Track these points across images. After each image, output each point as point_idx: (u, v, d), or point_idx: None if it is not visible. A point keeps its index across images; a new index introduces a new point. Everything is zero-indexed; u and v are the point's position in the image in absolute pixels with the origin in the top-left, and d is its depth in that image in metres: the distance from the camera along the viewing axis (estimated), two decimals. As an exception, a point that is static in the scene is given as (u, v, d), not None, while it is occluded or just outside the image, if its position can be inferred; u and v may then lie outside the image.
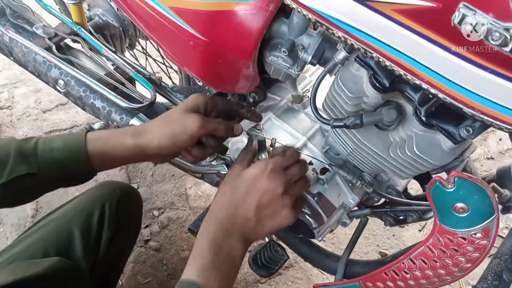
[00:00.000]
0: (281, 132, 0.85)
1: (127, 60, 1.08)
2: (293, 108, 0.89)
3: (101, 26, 1.20)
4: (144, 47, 1.28)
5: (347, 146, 0.76)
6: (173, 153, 0.69)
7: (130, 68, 1.06)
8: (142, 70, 1.08)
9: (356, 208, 0.86)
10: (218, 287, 0.57)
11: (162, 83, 1.08)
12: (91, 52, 1.09)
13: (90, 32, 1.11)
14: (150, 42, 1.31)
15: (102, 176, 1.56)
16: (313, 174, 0.81)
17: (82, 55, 1.13)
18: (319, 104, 0.71)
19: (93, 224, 0.93)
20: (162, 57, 1.32)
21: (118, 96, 1.02)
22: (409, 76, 0.49)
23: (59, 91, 1.11)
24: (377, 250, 1.52)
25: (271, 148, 0.73)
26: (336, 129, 0.75)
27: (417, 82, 0.49)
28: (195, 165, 0.90)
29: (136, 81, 1.07)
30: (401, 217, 0.87)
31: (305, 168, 0.67)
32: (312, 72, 0.94)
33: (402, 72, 0.49)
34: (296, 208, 0.64)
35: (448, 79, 0.46)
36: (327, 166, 0.81)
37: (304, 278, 1.41)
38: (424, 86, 0.48)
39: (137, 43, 1.30)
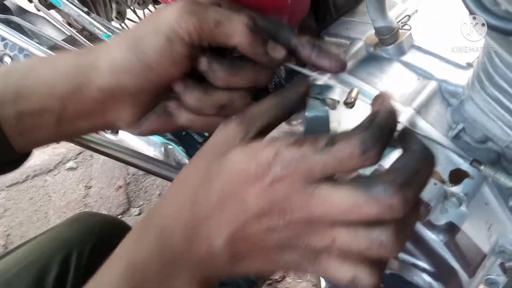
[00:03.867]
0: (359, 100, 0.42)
1: (97, 18, 0.71)
2: (379, 55, 0.46)
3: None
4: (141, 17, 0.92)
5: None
6: (141, 84, 0.33)
7: (102, 28, 0.69)
8: (118, 31, 0.70)
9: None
10: None
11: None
12: (45, 10, 0.73)
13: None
14: (150, 10, 0.95)
15: (94, 199, 1.17)
16: (434, 184, 0.38)
17: (38, 20, 0.79)
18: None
19: None
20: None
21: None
22: None
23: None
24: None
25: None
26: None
27: None
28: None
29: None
30: None
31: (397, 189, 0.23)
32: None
33: None
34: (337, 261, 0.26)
35: None
36: (464, 168, 0.38)
37: None
38: None
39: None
